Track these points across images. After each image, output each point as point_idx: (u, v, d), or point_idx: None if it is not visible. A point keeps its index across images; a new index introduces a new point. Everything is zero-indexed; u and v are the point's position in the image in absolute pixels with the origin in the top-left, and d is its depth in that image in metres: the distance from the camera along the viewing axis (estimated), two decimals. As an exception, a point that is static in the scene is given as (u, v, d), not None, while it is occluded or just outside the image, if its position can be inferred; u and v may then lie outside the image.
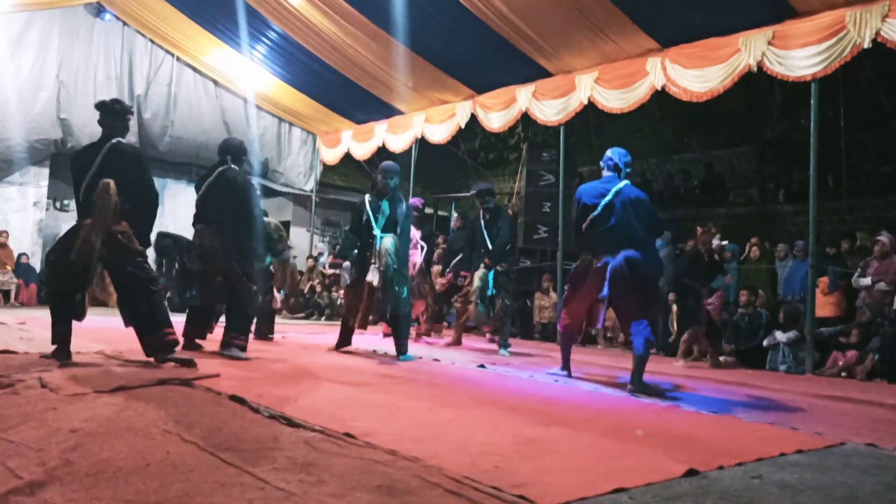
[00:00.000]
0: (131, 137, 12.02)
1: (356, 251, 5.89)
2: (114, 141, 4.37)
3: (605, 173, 4.85)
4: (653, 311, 4.54)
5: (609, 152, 4.93)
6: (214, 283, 5.13)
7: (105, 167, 4.25)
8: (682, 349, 7.13)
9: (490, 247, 6.88)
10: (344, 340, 6.03)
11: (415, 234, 6.98)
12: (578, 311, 4.84)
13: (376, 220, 5.68)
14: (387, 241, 5.54)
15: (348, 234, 6.06)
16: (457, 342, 7.38)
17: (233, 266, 4.96)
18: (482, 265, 6.86)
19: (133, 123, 11.99)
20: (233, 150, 5.41)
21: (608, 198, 4.59)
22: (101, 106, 4.47)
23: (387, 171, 5.81)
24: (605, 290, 4.42)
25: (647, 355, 4.45)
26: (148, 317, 4.30)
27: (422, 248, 7.40)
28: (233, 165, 5.32)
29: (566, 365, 5.06)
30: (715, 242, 7.32)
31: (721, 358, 7.06)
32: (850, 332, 6.88)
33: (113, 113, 4.44)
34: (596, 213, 4.60)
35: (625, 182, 4.72)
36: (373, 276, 5.50)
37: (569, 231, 10.03)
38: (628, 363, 4.67)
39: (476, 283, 6.84)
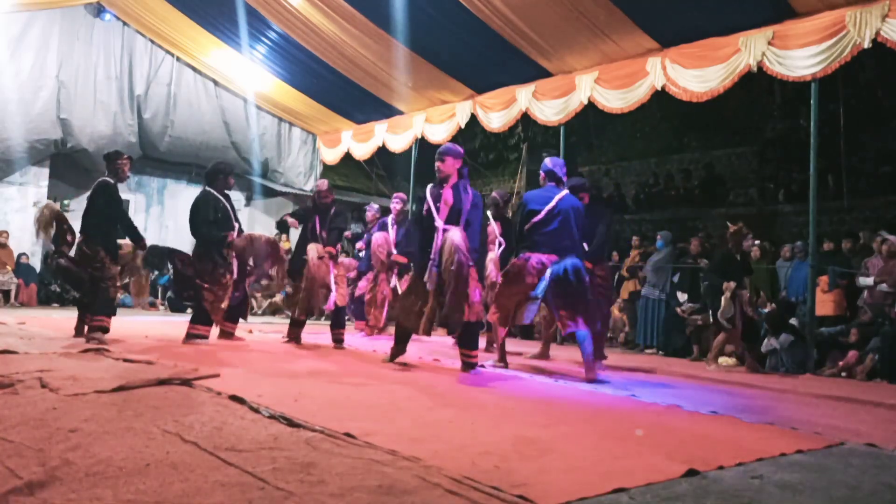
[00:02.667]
0: (131, 138, 12.06)
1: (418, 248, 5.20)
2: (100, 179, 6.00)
3: (547, 183, 5.31)
4: (591, 310, 5.11)
5: (549, 162, 5.35)
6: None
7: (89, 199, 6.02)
8: (714, 352, 6.86)
9: (586, 247, 5.88)
10: (399, 350, 5.23)
11: (494, 228, 6.73)
12: (509, 306, 5.14)
13: (437, 209, 4.95)
14: (453, 235, 4.74)
15: (411, 228, 5.62)
16: (544, 355, 6.54)
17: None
18: None
19: (133, 123, 12.05)
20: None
21: (551, 204, 5.07)
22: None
23: (439, 154, 5.10)
24: (540, 290, 4.86)
25: (591, 349, 4.94)
26: (91, 303, 5.81)
27: (499, 244, 6.67)
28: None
29: (502, 357, 5.58)
30: (747, 242, 6.93)
31: (721, 360, 7.02)
32: (849, 331, 6.88)
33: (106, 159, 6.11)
34: (539, 217, 5.06)
35: (565, 191, 5.23)
36: (429, 275, 4.84)
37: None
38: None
39: None
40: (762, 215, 11.40)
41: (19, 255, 11.15)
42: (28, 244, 11.48)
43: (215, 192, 6.19)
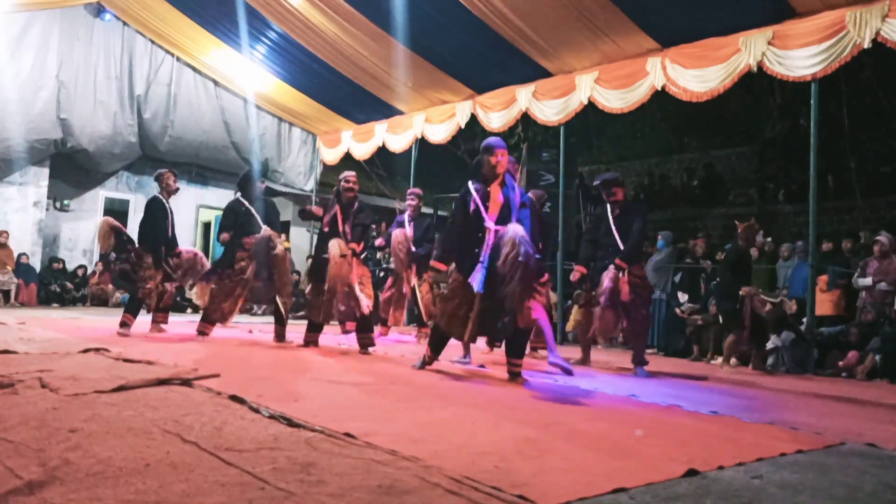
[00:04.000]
0: (131, 138, 12.06)
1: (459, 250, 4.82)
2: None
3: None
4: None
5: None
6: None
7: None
8: (725, 354, 6.69)
9: (621, 246, 5.67)
10: (434, 357, 4.96)
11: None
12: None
13: (486, 209, 4.60)
14: (515, 228, 4.37)
15: (450, 231, 4.98)
16: (585, 361, 6.17)
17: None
18: (612, 266, 5.59)
19: (133, 124, 12.06)
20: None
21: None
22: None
23: (485, 149, 4.75)
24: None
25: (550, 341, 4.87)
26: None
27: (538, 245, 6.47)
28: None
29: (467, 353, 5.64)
30: (759, 239, 6.65)
31: (732, 362, 6.98)
32: (849, 331, 6.87)
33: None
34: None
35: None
36: (476, 279, 4.43)
37: (569, 231, 10.11)
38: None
39: (606, 284, 5.56)
40: (762, 215, 11.41)
41: (19, 255, 11.15)
42: (28, 244, 11.49)
43: (242, 200, 6.54)
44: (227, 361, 4.78)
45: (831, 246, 8.30)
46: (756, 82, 10.28)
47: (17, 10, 10.65)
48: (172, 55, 12.38)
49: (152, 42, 12.21)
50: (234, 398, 3.21)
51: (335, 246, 5.73)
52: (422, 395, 3.84)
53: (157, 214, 6.78)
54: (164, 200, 6.90)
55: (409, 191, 8.05)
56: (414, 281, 7.39)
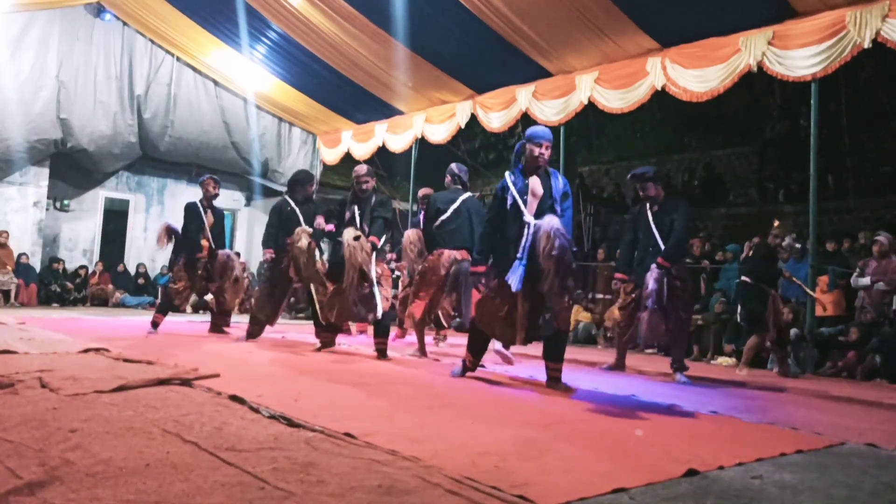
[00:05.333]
0: (131, 138, 12.06)
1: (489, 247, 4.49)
2: None
3: (452, 185, 5.95)
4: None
5: (454, 167, 6.01)
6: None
7: None
8: (746, 356, 6.43)
9: (662, 245, 5.36)
10: (476, 363, 4.68)
11: None
12: (425, 299, 5.67)
13: (525, 202, 4.29)
14: (550, 220, 4.08)
15: (486, 228, 4.58)
16: (620, 366, 5.88)
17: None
18: (654, 266, 5.25)
19: (133, 123, 12.06)
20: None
21: (456, 204, 5.73)
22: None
23: (530, 138, 4.41)
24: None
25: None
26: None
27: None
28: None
29: (422, 348, 5.93)
30: (787, 241, 6.43)
31: (720, 360, 7.00)
32: (849, 331, 6.87)
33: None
34: (445, 216, 5.71)
35: (468, 194, 5.91)
36: (514, 277, 4.10)
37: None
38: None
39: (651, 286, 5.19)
40: (762, 215, 11.42)
41: (19, 255, 11.15)
42: (28, 244, 11.49)
43: (288, 200, 6.74)
44: (227, 361, 4.78)
45: (835, 246, 8.28)
46: (756, 82, 10.27)
47: (17, 10, 10.65)
48: (172, 55, 12.38)
49: (152, 42, 12.20)
50: (234, 398, 3.21)
51: (350, 232, 5.36)
52: (422, 395, 3.84)
53: (187, 219, 7.13)
54: (201, 206, 7.18)
55: (420, 191, 7.84)
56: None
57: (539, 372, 5.20)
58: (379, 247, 5.53)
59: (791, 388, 5.34)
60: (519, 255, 4.14)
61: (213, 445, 2.33)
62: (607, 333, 8.87)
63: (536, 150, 4.33)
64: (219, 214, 7.38)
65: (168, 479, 1.95)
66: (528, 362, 6.13)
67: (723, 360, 7.41)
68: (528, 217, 4.21)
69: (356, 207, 5.63)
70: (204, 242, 7.07)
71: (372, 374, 4.62)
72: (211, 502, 1.79)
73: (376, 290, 5.37)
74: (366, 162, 13.01)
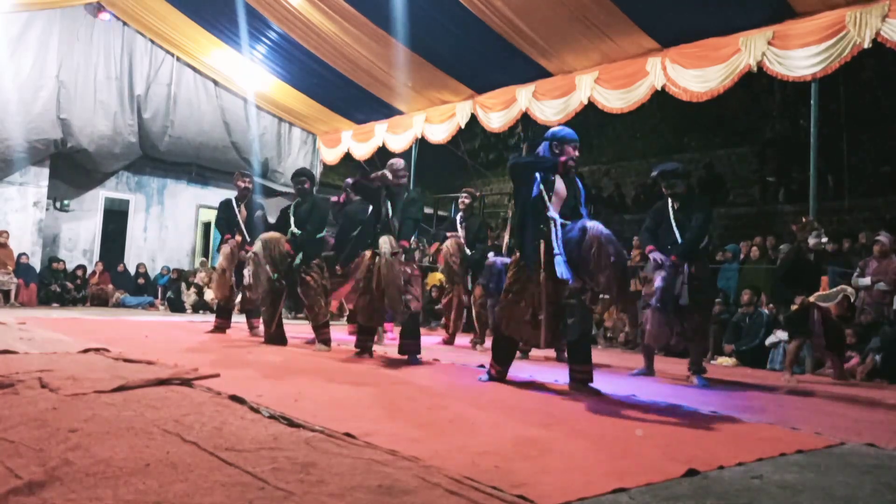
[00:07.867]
0: (131, 138, 12.06)
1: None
2: None
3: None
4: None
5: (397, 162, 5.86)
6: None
7: None
8: (789, 360, 6.09)
9: (680, 241, 5.22)
10: (504, 370, 4.55)
11: None
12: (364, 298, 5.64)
13: (549, 198, 4.22)
14: (597, 225, 4.04)
15: (520, 218, 4.42)
16: (649, 371, 5.63)
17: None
18: (667, 264, 5.16)
19: (133, 123, 12.06)
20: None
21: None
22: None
23: (563, 139, 4.35)
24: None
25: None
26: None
27: None
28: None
29: (370, 346, 5.78)
30: (813, 240, 6.52)
31: (720, 360, 6.98)
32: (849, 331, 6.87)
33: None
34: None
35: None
36: (562, 271, 4.00)
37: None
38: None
39: (658, 284, 5.09)
40: (762, 215, 11.41)
41: (19, 255, 11.14)
42: (28, 244, 11.49)
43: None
44: (227, 361, 4.78)
45: (836, 247, 8.26)
46: (756, 82, 10.27)
47: (17, 10, 10.65)
48: (172, 55, 12.38)
49: (152, 42, 12.21)
50: (234, 398, 3.21)
51: (386, 244, 5.21)
52: (422, 395, 3.84)
53: (219, 216, 7.40)
54: (234, 202, 7.33)
55: (463, 190, 7.81)
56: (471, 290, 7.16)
57: (539, 373, 5.20)
58: (409, 248, 5.41)
59: (791, 388, 5.34)
60: (557, 252, 4.03)
61: (213, 445, 2.33)
62: (607, 333, 8.88)
63: (566, 148, 4.31)
64: (252, 208, 7.39)
65: (168, 479, 1.95)
66: (529, 362, 6.14)
67: (723, 361, 7.41)
68: (553, 213, 4.17)
69: (389, 203, 5.50)
70: (237, 237, 7.14)
71: (372, 374, 4.62)
72: (211, 502, 1.79)
73: (407, 293, 5.22)
74: (366, 162, 13.14)
